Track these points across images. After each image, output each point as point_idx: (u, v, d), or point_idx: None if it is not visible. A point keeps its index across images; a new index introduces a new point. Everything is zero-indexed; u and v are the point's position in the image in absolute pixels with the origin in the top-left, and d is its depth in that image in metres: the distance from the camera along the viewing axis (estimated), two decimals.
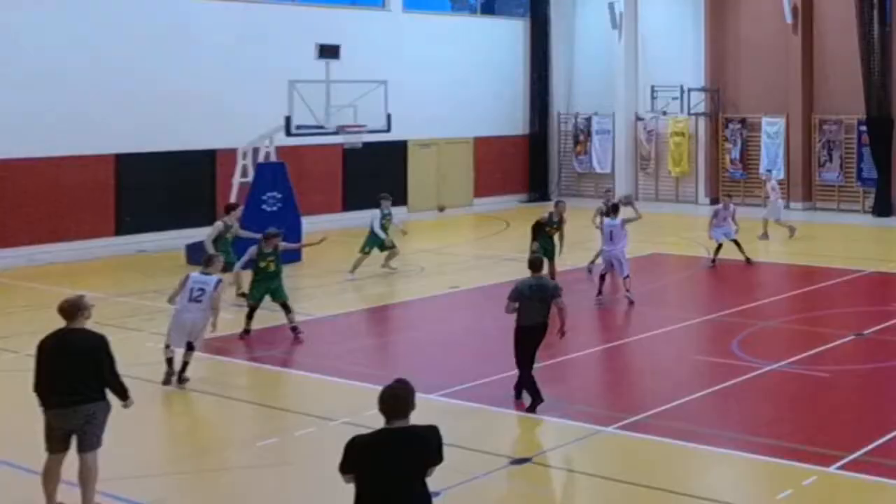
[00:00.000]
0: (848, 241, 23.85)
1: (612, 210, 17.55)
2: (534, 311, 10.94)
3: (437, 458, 5.86)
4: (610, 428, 10.32)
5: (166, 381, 11.88)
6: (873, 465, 9.30)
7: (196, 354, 12.03)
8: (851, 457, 9.41)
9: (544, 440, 10.13)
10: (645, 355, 13.61)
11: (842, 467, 9.20)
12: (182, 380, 11.93)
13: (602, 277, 16.88)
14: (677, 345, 14.25)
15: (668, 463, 9.52)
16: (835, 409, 11.32)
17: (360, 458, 5.72)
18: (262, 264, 14.27)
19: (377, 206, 19.17)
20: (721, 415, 10.98)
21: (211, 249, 16.09)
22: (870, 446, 9.70)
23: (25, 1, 21.49)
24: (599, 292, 16.63)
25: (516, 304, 10.96)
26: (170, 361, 11.92)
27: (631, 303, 16.28)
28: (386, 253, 19.21)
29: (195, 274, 12.15)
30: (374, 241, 18.97)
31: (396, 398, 5.82)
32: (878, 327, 14.72)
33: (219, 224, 16.86)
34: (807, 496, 8.68)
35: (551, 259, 17.23)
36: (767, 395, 11.68)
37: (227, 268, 16.54)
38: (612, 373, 12.79)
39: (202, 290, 11.90)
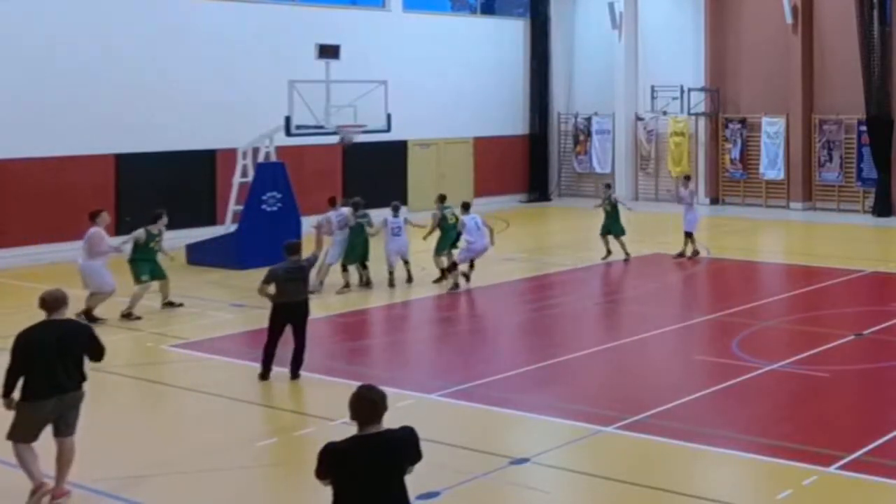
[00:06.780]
0: (848, 241, 23.82)
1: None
2: (290, 290, 11.99)
3: (415, 457, 5.80)
4: (610, 428, 10.31)
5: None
6: (873, 465, 9.29)
7: (196, 354, 12.00)
8: (851, 457, 9.41)
9: (544, 440, 10.11)
10: (645, 355, 13.60)
11: (842, 467, 9.20)
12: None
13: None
14: (677, 345, 14.25)
15: (668, 463, 9.52)
16: (835, 409, 11.32)
17: (336, 465, 5.61)
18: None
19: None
20: (721, 415, 10.96)
21: (127, 249, 16.07)
22: (870, 446, 9.70)
23: (25, 1, 21.50)
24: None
25: (271, 286, 11.93)
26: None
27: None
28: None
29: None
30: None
31: (374, 405, 5.70)
32: (878, 327, 14.72)
33: (139, 232, 15.93)
34: (807, 496, 8.67)
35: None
36: (767, 395, 11.67)
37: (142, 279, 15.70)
38: (612, 373, 12.78)
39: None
